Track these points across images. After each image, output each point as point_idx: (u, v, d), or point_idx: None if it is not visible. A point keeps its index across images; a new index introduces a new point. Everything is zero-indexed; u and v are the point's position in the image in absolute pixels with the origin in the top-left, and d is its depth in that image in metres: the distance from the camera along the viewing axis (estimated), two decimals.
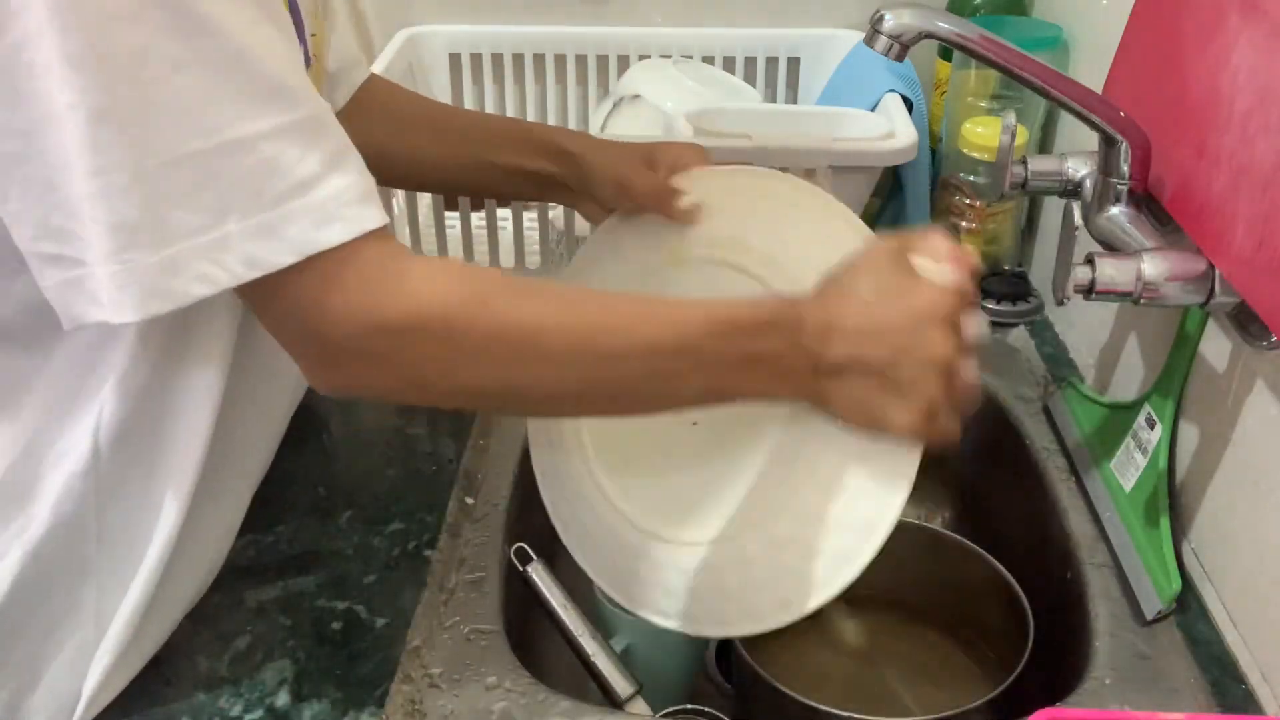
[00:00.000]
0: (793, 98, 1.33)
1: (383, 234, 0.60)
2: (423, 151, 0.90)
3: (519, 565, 0.79)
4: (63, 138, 0.53)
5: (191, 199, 0.55)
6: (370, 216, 0.59)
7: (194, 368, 0.69)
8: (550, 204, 1.07)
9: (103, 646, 0.69)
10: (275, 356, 0.74)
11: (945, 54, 1.23)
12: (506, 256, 1.07)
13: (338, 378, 0.62)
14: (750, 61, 1.31)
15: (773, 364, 0.65)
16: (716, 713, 0.74)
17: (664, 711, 0.74)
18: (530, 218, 1.12)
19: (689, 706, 0.75)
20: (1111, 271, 0.73)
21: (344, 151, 0.59)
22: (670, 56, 1.27)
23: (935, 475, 1.08)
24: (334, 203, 0.58)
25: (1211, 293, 0.72)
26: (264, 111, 0.56)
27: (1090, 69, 1.00)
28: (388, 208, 1.01)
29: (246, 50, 0.56)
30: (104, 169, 0.53)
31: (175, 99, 0.54)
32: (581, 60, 1.33)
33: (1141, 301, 0.73)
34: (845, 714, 0.71)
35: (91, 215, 0.54)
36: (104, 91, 0.52)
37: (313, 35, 0.75)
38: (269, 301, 0.60)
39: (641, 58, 1.29)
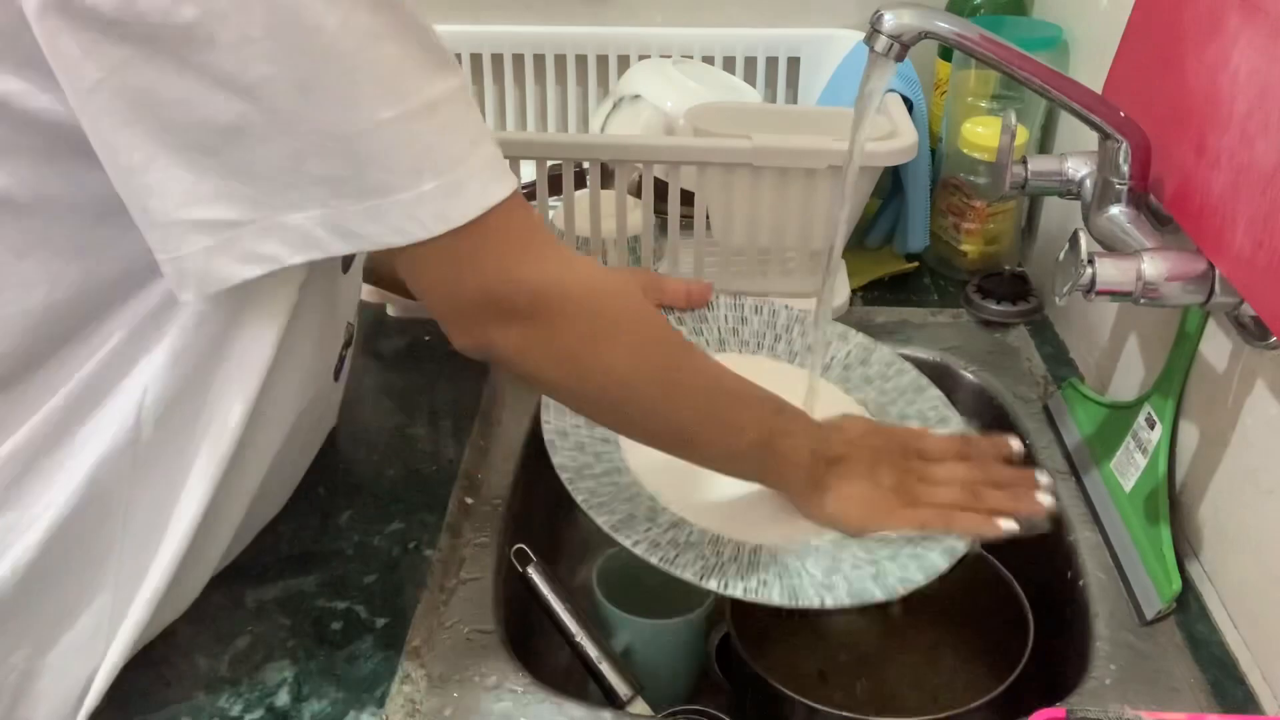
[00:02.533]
0: (793, 98, 1.33)
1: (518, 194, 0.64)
2: None
3: (519, 566, 0.79)
4: (262, 109, 0.57)
5: (390, 161, 0.59)
6: (511, 176, 0.63)
7: (241, 350, 0.69)
8: (550, 204, 1.08)
9: (115, 637, 0.69)
10: (315, 355, 0.76)
11: (945, 54, 1.23)
12: None
13: (501, 333, 0.66)
14: (750, 61, 1.32)
15: (788, 444, 0.77)
16: (718, 713, 0.74)
17: (665, 712, 0.74)
18: None
19: (690, 707, 0.75)
20: (1111, 271, 0.73)
21: (475, 111, 0.64)
22: (670, 56, 1.27)
23: None
24: (496, 161, 0.63)
25: (1211, 293, 0.72)
26: (440, 76, 0.61)
27: (1090, 69, 1.00)
28: None
29: (417, 20, 0.60)
30: (304, 134, 0.57)
31: (373, 68, 0.58)
32: (581, 60, 1.33)
33: (1141, 301, 0.73)
34: (845, 714, 0.71)
35: (298, 171, 0.59)
36: (309, 63, 0.56)
37: None
38: (438, 258, 0.63)
39: (641, 58, 1.29)
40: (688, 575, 0.72)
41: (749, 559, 0.75)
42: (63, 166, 0.60)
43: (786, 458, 0.77)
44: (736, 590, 0.72)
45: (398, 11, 0.58)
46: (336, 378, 0.86)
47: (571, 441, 0.82)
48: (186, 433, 0.69)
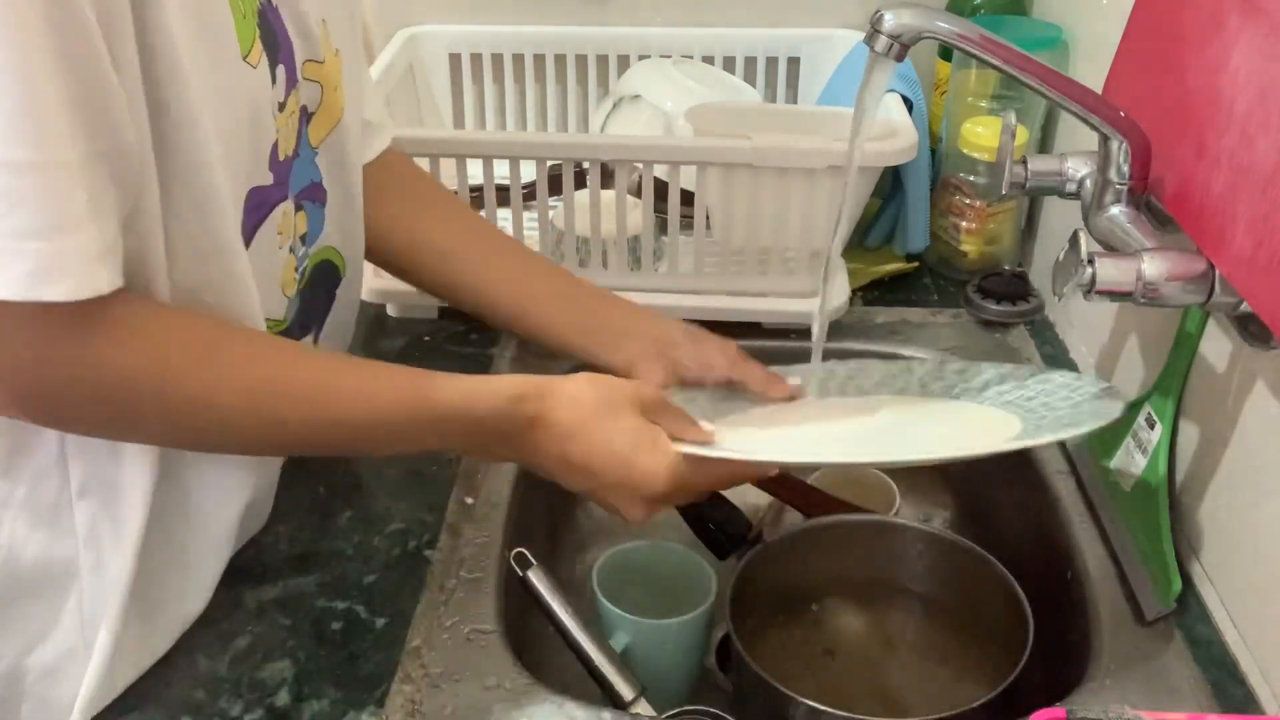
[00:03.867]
0: (793, 98, 1.33)
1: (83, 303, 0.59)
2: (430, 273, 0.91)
3: (519, 570, 0.79)
4: None
5: None
6: (99, 280, 0.58)
7: None
8: (550, 204, 1.08)
9: (90, 651, 0.70)
10: None
11: (945, 54, 1.23)
12: None
13: (23, 409, 0.63)
14: (750, 61, 1.31)
15: (485, 446, 0.73)
16: (721, 713, 0.74)
17: (669, 713, 0.74)
18: (530, 218, 1.12)
19: (694, 708, 0.75)
20: (1111, 271, 0.73)
21: (94, 204, 0.58)
22: (670, 56, 1.27)
23: (935, 476, 1.08)
24: (63, 257, 0.57)
25: (1211, 293, 0.72)
26: (23, 140, 0.55)
27: (1090, 69, 1.00)
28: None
29: (18, 72, 0.54)
30: None
31: None
32: (581, 60, 1.33)
33: (1141, 301, 0.73)
34: (845, 714, 0.71)
35: None
36: None
37: (316, 62, 0.75)
38: None
39: (641, 58, 1.29)
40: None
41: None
42: None
43: (474, 450, 0.76)
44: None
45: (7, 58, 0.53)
46: None
47: None
48: (111, 448, 0.69)
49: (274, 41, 0.69)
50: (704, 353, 0.86)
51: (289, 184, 0.74)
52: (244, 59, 0.66)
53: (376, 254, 0.89)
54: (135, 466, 0.70)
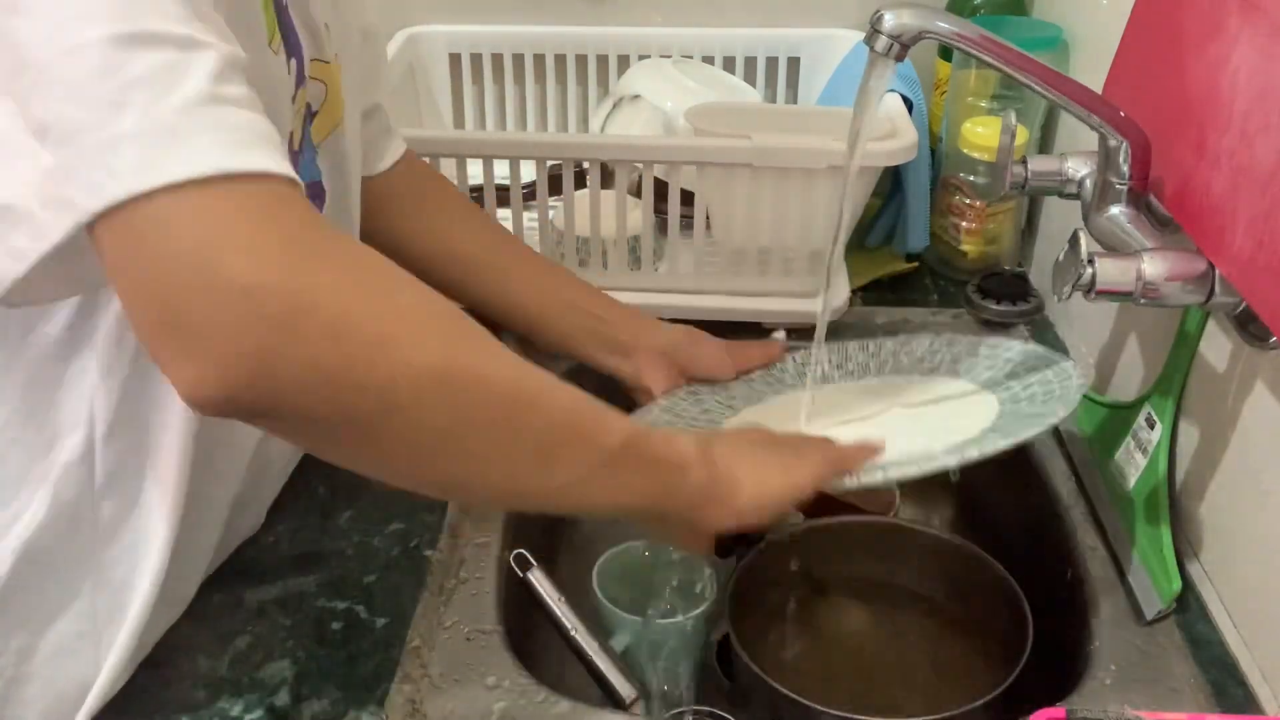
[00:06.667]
0: (793, 98, 1.33)
1: (296, 186, 0.51)
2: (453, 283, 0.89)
3: (519, 572, 0.79)
4: None
5: (81, 89, 0.47)
6: (288, 166, 0.51)
7: None
8: (550, 204, 1.08)
9: (102, 640, 0.70)
10: None
11: (945, 54, 1.23)
12: None
13: (229, 360, 0.50)
14: (750, 61, 1.32)
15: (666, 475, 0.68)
16: (721, 714, 0.74)
17: (671, 713, 0.74)
18: (530, 218, 1.12)
19: (696, 707, 0.75)
20: (1112, 271, 0.73)
21: (255, 100, 0.52)
22: (670, 56, 1.27)
23: (934, 476, 1.08)
24: (262, 133, 0.50)
25: (1211, 293, 0.72)
26: (181, 16, 0.49)
27: (1090, 69, 1.00)
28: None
29: None
30: (20, 68, 0.49)
31: None
32: (581, 60, 1.33)
33: (1142, 301, 0.73)
34: (845, 714, 0.71)
35: (18, 123, 0.50)
36: None
37: (322, 61, 0.75)
38: (141, 233, 0.47)
39: (641, 58, 1.29)
40: None
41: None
42: None
43: (672, 451, 0.65)
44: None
45: None
46: None
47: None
48: (140, 440, 0.69)
49: (287, 35, 0.69)
50: (706, 356, 0.95)
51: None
52: (268, 45, 0.65)
53: (395, 259, 0.88)
54: (162, 468, 0.69)
